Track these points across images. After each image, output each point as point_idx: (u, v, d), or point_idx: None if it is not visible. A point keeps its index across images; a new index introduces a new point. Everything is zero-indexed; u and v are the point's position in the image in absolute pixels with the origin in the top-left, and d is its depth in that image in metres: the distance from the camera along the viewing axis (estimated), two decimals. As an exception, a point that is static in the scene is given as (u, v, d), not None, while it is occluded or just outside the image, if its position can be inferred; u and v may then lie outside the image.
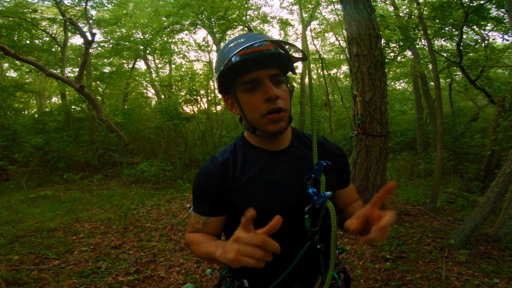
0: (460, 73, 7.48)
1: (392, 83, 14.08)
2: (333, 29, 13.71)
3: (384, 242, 3.24)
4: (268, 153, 0.93)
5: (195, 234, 0.95)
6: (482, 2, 5.25)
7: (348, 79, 14.34)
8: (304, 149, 0.97)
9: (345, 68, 15.65)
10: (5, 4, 8.88)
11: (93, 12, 10.96)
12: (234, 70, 0.82)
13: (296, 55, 0.89)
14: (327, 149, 1.00)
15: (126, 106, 11.56)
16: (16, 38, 9.26)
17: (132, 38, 11.28)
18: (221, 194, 0.89)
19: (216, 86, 0.94)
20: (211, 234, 0.95)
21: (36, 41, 10.26)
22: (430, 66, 7.28)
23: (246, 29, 9.83)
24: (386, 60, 6.04)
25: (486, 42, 6.90)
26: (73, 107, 9.71)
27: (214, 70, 0.92)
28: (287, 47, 0.87)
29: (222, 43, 12.73)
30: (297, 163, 0.92)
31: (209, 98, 12.95)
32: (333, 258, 0.88)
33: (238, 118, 0.96)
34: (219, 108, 12.95)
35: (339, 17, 9.85)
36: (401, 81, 14.39)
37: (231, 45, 0.84)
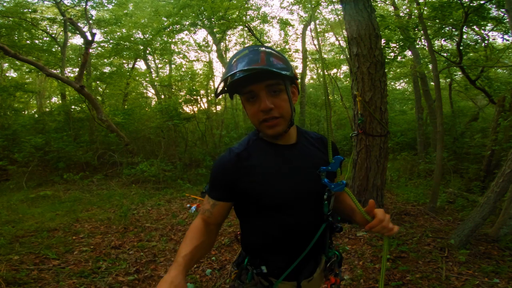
0: (460, 73, 7.47)
1: (392, 83, 14.08)
2: (333, 29, 13.69)
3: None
4: (279, 146, 1.04)
5: (197, 226, 1.04)
6: (482, 2, 5.25)
7: (348, 79, 14.32)
8: (308, 145, 1.09)
9: (345, 68, 15.64)
10: (5, 4, 8.89)
11: (93, 12, 10.98)
12: (235, 83, 0.93)
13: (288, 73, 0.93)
14: (326, 145, 1.13)
15: (126, 106, 11.54)
16: (16, 38, 9.25)
17: (132, 38, 11.25)
18: (233, 182, 1.00)
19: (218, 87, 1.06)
20: (216, 218, 1.05)
21: (36, 41, 10.23)
22: (430, 66, 7.28)
23: (246, 29, 9.82)
24: (386, 60, 6.04)
25: (486, 42, 6.89)
26: (73, 107, 9.70)
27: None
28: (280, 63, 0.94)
29: (222, 43, 12.74)
30: (305, 157, 1.05)
31: (209, 98, 12.93)
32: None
33: (238, 118, 1.02)
34: (219, 108, 12.94)
35: (339, 17, 9.84)
36: (401, 81, 14.38)
37: (235, 59, 0.95)
